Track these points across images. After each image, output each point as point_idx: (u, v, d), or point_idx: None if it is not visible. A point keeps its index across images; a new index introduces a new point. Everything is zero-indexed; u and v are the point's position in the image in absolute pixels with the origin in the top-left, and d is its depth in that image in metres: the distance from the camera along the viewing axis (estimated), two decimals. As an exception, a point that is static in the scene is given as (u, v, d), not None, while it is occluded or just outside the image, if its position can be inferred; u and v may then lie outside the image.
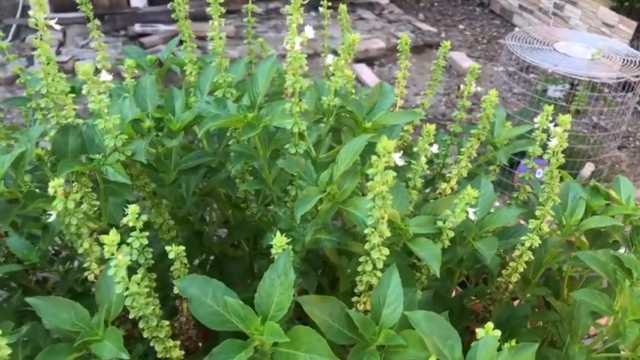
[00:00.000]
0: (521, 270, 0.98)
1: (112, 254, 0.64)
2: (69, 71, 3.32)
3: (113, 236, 0.64)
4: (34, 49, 0.83)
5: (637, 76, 2.77)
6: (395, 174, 0.67)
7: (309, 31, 0.74)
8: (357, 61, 3.85)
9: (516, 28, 3.14)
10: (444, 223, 0.84)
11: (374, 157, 0.65)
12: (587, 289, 0.90)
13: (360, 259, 0.75)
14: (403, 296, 0.74)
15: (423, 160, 0.92)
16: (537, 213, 0.94)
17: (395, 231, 0.85)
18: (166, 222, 0.93)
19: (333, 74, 0.87)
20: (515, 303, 1.15)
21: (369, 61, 3.91)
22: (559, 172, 0.93)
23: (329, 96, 0.89)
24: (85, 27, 3.89)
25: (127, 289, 0.67)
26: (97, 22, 1.36)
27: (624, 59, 2.88)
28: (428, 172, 0.95)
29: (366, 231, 0.72)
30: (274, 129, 0.87)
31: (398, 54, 1.18)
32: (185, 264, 0.78)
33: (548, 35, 3.10)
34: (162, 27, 3.65)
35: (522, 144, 1.21)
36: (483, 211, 1.02)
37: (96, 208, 0.88)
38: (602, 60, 2.90)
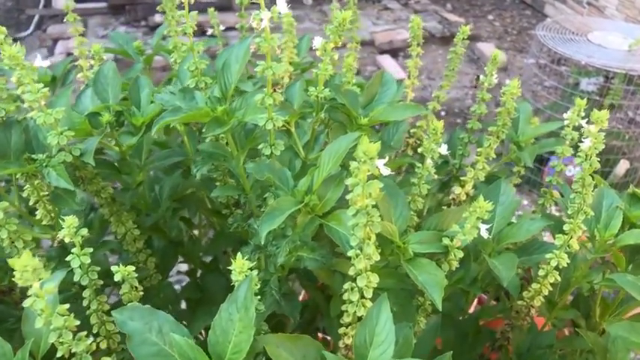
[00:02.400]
0: (546, 293, 0.82)
1: (30, 282, 0.51)
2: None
3: (27, 259, 0.50)
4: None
5: (677, 69, 2.54)
6: (381, 184, 0.51)
7: (282, 5, 0.59)
8: (382, 52, 3.68)
9: (548, 19, 2.93)
10: (452, 240, 0.69)
11: (353, 164, 0.50)
12: (625, 322, 0.73)
13: (345, 286, 0.60)
14: (397, 334, 0.59)
15: (429, 162, 0.76)
16: (566, 227, 0.77)
17: (392, 248, 0.70)
18: (130, 232, 0.79)
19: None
20: (539, 321, 0.98)
21: (394, 52, 3.73)
22: (593, 179, 0.76)
23: (329, 86, 0.74)
24: (106, 17, 3.81)
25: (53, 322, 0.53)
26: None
27: (663, 51, 2.65)
28: (436, 176, 0.79)
29: (350, 253, 0.57)
30: (253, 125, 0.72)
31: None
32: (135, 287, 0.64)
33: (581, 25, 2.88)
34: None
35: (550, 143, 1.04)
36: (503, 221, 0.86)
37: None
38: (640, 51, 2.68)
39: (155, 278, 0.84)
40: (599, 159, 0.73)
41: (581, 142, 0.72)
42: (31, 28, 3.57)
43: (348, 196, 0.52)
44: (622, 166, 2.84)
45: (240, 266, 0.55)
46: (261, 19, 0.57)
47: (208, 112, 0.67)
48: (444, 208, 0.99)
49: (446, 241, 0.69)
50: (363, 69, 3.56)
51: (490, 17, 4.36)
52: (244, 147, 0.72)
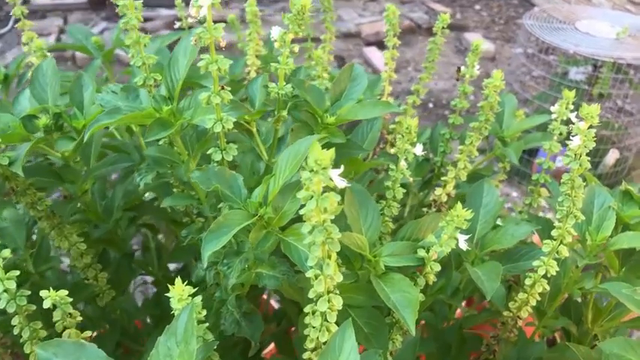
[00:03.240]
0: (534, 304, 0.74)
1: None
2: (68, 59, 3.12)
3: None
4: None
5: (666, 57, 2.47)
6: (338, 197, 0.44)
7: (222, -9, 0.51)
8: (368, 44, 3.59)
9: (535, 7, 2.85)
10: (428, 252, 0.61)
11: (304, 175, 0.42)
12: (620, 338, 0.66)
13: (306, 309, 0.52)
14: (364, 363, 0.51)
15: (403, 164, 0.68)
16: (554, 233, 0.70)
17: (362, 262, 0.62)
18: (76, 246, 0.70)
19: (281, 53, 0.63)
20: (527, 329, 0.91)
21: (381, 44, 3.64)
22: (584, 180, 0.69)
23: (291, 82, 0.66)
24: (86, 13, 3.69)
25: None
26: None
27: (652, 38, 2.58)
28: (411, 179, 0.71)
29: (309, 274, 0.49)
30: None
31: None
32: (70, 314, 0.56)
33: (569, 14, 2.81)
34: (164, 11, 3.42)
35: (537, 138, 0.97)
36: (486, 225, 0.79)
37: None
38: (628, 39, 2.61)
39: (108, 295, 0.76)
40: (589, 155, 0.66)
41: (570, 139, 0.64)
42: (10, 24, 3.45)
43: (301, 211, 0.45)
44: (611, 156, 2.78)
45: (180, 293, 0.47)
46: (201, 7, 0.49)
47: (152, 112, 0.59)
48: (425, 210, 0.92)
49: (421, 252, 0.61)
50: (349, 61, 3.46)
51: (477, 7, 4.27)
52: (196, 151, 0.64)
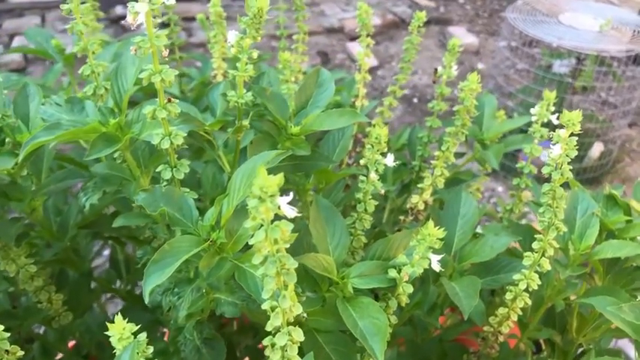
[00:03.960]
0: (515, 319, 0.70)
1: None
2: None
3: None
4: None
5: (649, 49, 2.44)
6: (291, 226, 0.39)
7: (163, -7, 0.45)
8: (352, 39, 3.53)
9: (519, 0, 2.80)
10: (399, 272, 0.56)
11: (251, 203, 0.37)
12: (605, 358, 0.61)
13: (265, 342, 0.47)
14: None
15: (373, 176, 0.63)
16: (535, 245, 0.65)
17: (328, 282, 0.57)
18: (25, 269, 0.65)
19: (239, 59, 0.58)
20: (511, 340, 0.87)
21: (364, 39, 3.58)
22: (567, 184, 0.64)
23: (252, 89, 0.61)
24: (65, 11, 3.61)
25: None
26: None
27: (634, 30, 2.55)
28: (382, 190, 0.66)
29: (264, 307, 0.44)
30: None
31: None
32: (6, 351, 0.50)
33: (552, 6, 2.77)
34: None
35: (517, 140, 0.92)
36: (464, 236, 0.74)
37: None
38: (611, 32, 2.57)
39: (65, 318, 0.71)
40: (570, 164, 0.61)
41: (551, 149, 0.59)
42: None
43: (250, 241, 0.39)
44: (596, 149, 2.75)
45: (120, 329, 0.42)
46: (138, 13, 0.44)
47: (96, 127, 0.54)
48: (402, 218, 0.87)
49: (392, 273, 0.56)
50: (333, 57, 3.41)
51: (461, 0, 4.22)
52: (148, 167, 0.58)
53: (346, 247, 0.58)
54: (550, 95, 0.80)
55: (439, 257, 0.54)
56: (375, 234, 0.99)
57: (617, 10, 2.86)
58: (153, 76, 0.47)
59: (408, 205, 0.85)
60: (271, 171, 0.53)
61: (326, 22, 3.60)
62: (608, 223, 0.79)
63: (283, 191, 0.37)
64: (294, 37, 1.07)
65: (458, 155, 0.98)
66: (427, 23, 3.85)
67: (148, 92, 0.89)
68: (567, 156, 0.59)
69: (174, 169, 0.53)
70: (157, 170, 0.53)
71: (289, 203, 0.37)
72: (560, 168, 0.59)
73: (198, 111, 0.69)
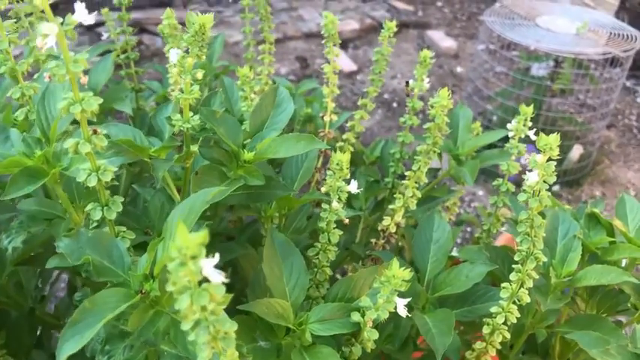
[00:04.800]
0: (493, 353, 0.64)
1: None
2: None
3: None
4: None
5: (625, 51, 2.41)
6: (222, 290, 0.32)
7: (81, 13, 0.39)
8: (330, 44, 3.47)
9: (496, 3, 2.76)
10: (363, 316, 0.50)
11: (170, 266, 0.30)
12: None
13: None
14: None
15: (335, 205, 0.57)
16: (513, 277, 0.59)
17: (286, 329, 0.51)
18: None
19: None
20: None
21: (343, 43, 3.51)
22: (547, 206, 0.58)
23: (200, 113, 0.54)
24: (38, 18, 3.50)
25: None
26: None
27: (610, 33, 2.52)
28: (347, 220, 0.60)
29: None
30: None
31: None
32: None
33: (530, 9, 2.73)
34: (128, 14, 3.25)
35: (494, 155, 0.86)
36: (438, 264, 0.68)
37: None
38: (588, 34, 2.54)
39: (3, 363, 0.64)
40: (549, 190, 0.55)
41: (526, 173, 0.53)
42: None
43: (175, 306, 0.33)
44: (575, 152, 2.72)
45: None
46: (47, 36, 0.37)
47: (18, 160, 0.47)
48: (373, 241, 0.81)
49: (356, 317, 0.50)
50: (312, 62, 3.35)
51: (439, 4, 4.18)
52: (83, 203, 0.52)
53: (305, 288, 0.52)
54: (527, 110, 0.74)
55: (405, 301, 0.48)
56: (346, 255, 0.93)
57: (593, 13, 2.83)
58: (72, 106, 0.40)
59: (379, 228, 0.79)
60: (223, 202, 0.46)
61: (304, 26, 3.53)
62: (591, 244, 0.74)
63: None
64: (260, 47, 1.01)
65: (433, 170, 0.93)
66: (406, 27, 3.81)
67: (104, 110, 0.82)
68: (545, 182, 0.53)
69: (105, 208, 0.46)
70: (86, 210, 0.46)
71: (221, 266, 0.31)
72: (538, 195, 0.53)
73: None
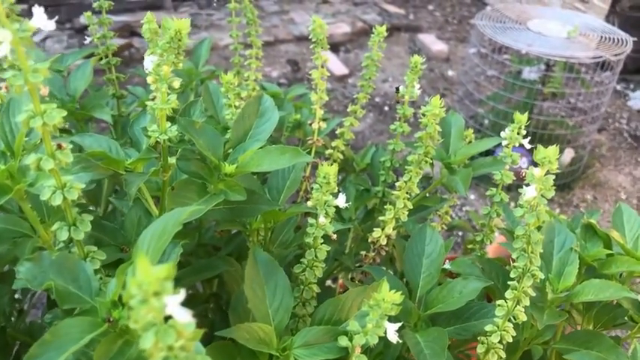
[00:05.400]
0: (488, 374, 0.61)
1: None
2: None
3: None
4: None
5: (616, 55, 2.40)
6: (191, 325, 0.29)
7: (40, 18, 0.35)
8: (321, 47, 3.44)
9: (488, 7, 2.74)
10: (351, 340, 0.46)
11: (131, 302, 0.27)
12: None
13: None
14: None
15: (322, 221, 0.54)
16: (509, 295, 0.56)
17: (268, 355, 0.47)
18: None
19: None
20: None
21: (334, 47, 3.49)
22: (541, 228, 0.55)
23: (178, 123, 0.51)
24: (27, 21, 3.45)
25: None
26: None
27: (601, 37, 2.50)
28: (334, 236, 0.57)
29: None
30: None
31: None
32: None
33: (521, 13, 2.71)
34: (112, 18, 3.20)
35: (487, 163, 0.83)
36: (430, 279, 0.65)
37: None
38: (579, 38, 2.52)
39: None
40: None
41: (523, 187, 0.50)
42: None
43: (140, 344, 0.30)
44: (567, 155, 2.70)
45: None
46: (1, 43, 0.33)
47: (-21, 177, 0.43)
48: (363, 253, 0.77)
49: (343, 341, 0.46)
50: (303, 65, 3.32)
51: (430, 7, 4.16)
52: (53, 219, 0.48)
53: (289, 309, 0.48)
54: (521, 118, 0.71)
55: (396, 326, 0.44)
56: (336, 266, 0.90)
57: (583, 17, 2.81)
58: (32, 120, 0.37)
59: (369, 240, 0.75)
60: (203, 218, 0.43)
61: (296, 30, 3.50)
62: (588, 257, 0.71)
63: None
64: (247, 52, 0.97)
65: (424, 179, 0.90)
66: (397, 30, 3.79)
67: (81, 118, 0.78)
68: (543, 197, 0.50)
69: (72, 228, 0.42)
70: (51, 229, 0.42)
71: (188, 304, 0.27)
72: (535, 210, 0.50)
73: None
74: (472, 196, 2.72)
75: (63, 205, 0.41)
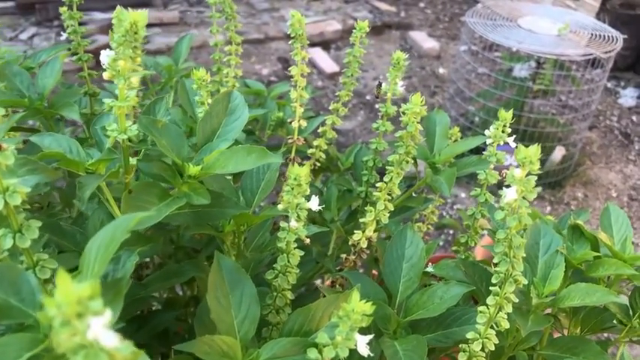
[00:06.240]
0: (469, 384, 0.58)
1: None
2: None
3: None
4: None
5: (606, 52, 2.37)
6: (130, 345, 0.26)
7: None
8: (312, 45, 3.41)
9: (478, 4, 2.71)
10: (321, 353, 0.43)
11: (54, 324, 0.24)
12: None
13: None
14: None
15: (294, 225, 0.51)
16: (491, 301, 0.53)
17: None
18: None
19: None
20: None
21: (325, 44, 3.46)
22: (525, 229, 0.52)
23: (139, 122, 0.48)
24: (14, 18, 3.40)
25: None
26: None
27: (592, 34, 2.48)
28: (307, 240, 0.53)
29: None
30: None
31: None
32: None
33: (512, 10, 2.68)
34: (98, 15, 3.16)
35: (472, 162, 0.80)
36: (411, 284, 0.62)
37: None
38: (570, 35, 2.50)
39: None
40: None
41: (503, 188, 0.47)
42: None
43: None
44: (558, 153, 2.67)
45: None
46: None
47: None
48: (343, 256, 0.74)
49: (313, 354, 0.43)
50: (294, 63, 3.28)
51: (421, 4, 4.13)
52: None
53: (256, 320, 0.45)
54: (506, 115, 0.69)
55: (367, 339, 0.41)
56: (319, 269, 0.87)
57: (574, 14, 2.79)
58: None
59: (350, 243, 0.72)
60: (164, 223, 0.40)
61: (286, 27, 3.46)
62: (574, 259, 0.68)
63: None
64: (226, 48, 0.94)
65: (408, 178, 0.87)
66: (388, 28, 3.76)
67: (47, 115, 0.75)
68: (524, 199, 0.47)
69: (17, 235, 0.39)
70: (-4, 237, 0.39)
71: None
72: (517, 213, 0.47)
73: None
74: (462, 195, 2.69)
75: (5, 211, 0.38)
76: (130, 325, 0.67)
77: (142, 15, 0.42)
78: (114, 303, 0.35)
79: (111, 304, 0.36)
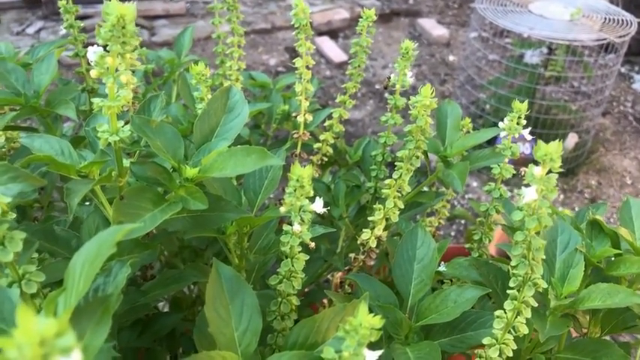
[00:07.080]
0: (485, 393, 0.55)
1: None
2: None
3: None
4: None
5: (620, 37, 2.31)
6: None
7: None
8: (320, 33, 3.36)
9: (487, -10, 2.65)
10: (327, 367, 0.40)
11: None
12: None
13: None
14: None
15: (297, 228, 0.47)
16: (508, 306, 0.50)
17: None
18: None
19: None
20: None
21: (333, 33, 3.41)
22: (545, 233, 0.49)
23: (133, 122, 0.45)
24: (21, 12, 3.38)
25: None
26: None
27: (605, 18, 2.41)
28: (312, 244, 0.50)
29: None
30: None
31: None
32: None
33: (522, -5, 2.62)
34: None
35: (485, 155, 0.76)
36: (422, 286, 0.59)
37: None
38: (582, 20, 2.43)
39: None
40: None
41: (522, 188, 0.44)
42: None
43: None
44: (571, 140, 2.62)
45: None
46: None
47: None
48: (352, 255, 0.71)
49: (318, 368, 0.40)
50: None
51: (430, -9, 4.06)
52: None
53: (258, 332, 0.42)
54: (521, 106, 0.65)
55: (377, 355, 0.38)
56: (327, 267, 0.84)
57: (587, -2, 2.72)
58: None
59: (359, 242, 0.69)
60: (161, 228, 0.37)
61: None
62: (594, 257, 0.64)
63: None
64: (228, 40, 0.91)
65: (418, 172, 0.83)
66: (397, 15, 3.69)
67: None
68: (545, 198, 0.43)
69: (1, 246, 0.36)
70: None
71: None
72: (536, 213, 0.44)
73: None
74: (474, 184, 2.65)
75: (-12, 222, 0.35)
76: (132, 330, 0.65)
77: (129, 9, 0.39)
78: (101, 323, 0.32)
79: (98, 325, 0.33)
